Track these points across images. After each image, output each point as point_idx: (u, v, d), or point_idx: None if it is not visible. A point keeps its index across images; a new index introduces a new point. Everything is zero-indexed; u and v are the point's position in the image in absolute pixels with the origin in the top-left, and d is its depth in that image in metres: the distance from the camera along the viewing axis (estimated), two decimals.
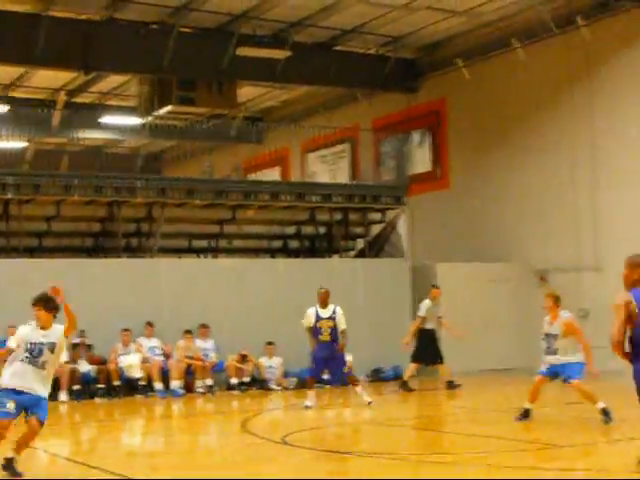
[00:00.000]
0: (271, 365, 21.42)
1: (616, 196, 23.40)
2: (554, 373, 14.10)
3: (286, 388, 21.21)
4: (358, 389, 17.23)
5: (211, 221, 24.12)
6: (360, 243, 26.01)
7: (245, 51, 24.91)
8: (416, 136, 29.10)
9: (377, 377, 22.63)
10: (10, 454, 9.89)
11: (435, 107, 28.97)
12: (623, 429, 13.11)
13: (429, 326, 20.10)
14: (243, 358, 21.22)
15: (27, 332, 10.07)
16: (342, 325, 16.87)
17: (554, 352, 13.93)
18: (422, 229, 28.27)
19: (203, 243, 24.28)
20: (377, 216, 25.90)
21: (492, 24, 25.47)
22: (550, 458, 11.01)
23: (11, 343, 10.44)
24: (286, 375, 21.53)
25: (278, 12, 24.40)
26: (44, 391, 10.00)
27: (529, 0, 23.44)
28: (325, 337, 16.81)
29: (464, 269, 25.01)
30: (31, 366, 9.91)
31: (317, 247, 25.61)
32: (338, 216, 25.28)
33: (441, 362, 20.02)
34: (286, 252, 25.16)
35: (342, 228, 25.54)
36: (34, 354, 9.93)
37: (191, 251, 24.20)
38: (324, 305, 16.92)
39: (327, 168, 27.03)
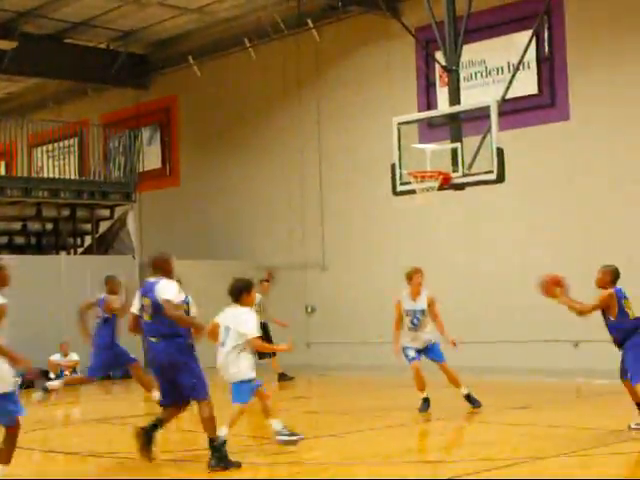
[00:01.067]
0: None
1: (342, 199, 24.10)
2: (419, 355, 14.13)
3: None
4: None
5: None
6: (88, 240, 25.59)
7: None
8: (146, 133, 28.93)
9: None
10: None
11: (166, 104, 28.90)
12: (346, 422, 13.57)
13: (261, 319, 20.09)
14: None
15: None
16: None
17: (419, 328, 13.94)
18: (152, 226, 28.15)
19: None
20: (106, 213, 25.55)
21: (224, 23, 25.67)
22: (281, 453, 11.19)
23: None
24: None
25: (6, 1, 23.66)
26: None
27: (261, 0, 23.77)
28: None
29: (193, 266, 25.04)
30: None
31: (44, 244, 25.00)
32: (66, 212, 24.76)
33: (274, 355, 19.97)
34: (11, 248, 24.40)
35: (70, 224, 25.04)
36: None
37: None
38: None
39: (55, 163, 26.39)
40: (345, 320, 23.08)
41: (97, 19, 25.41)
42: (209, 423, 9.88)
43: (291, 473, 9.75)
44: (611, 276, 11.48)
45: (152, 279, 10.25)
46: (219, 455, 9.77)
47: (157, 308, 9.96)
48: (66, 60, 26.75)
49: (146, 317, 10.13)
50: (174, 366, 9.91)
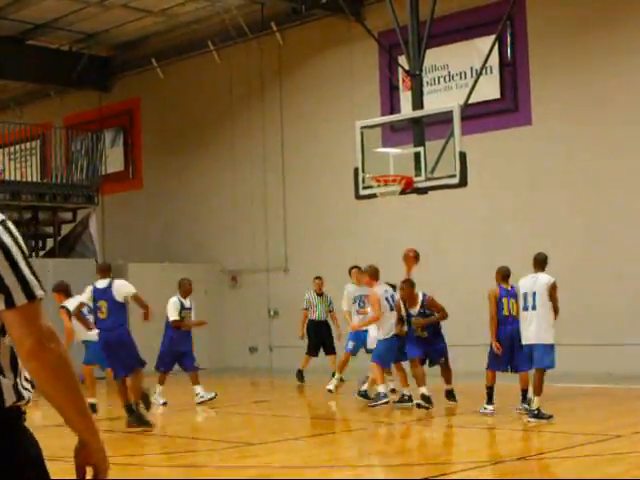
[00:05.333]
0: None
1: (304, 201, 24.11)
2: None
3: None
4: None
5: None
6: (50, 242, 25.44)
7: None
8: (109, 135, 28.78)
9: None
10: None
11: (128, 106, 28.78)
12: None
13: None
14: None
15: None
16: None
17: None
18: (115, 229, 28.04)
19: None
20: (68, 215, 25.42)
21: (188, 25, 25.61)
22: (244, 456, 11.18)
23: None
24: None
25: None
26: None
27: (224, 4, 23.73)
28: (188, 328, 16.69)
29: (156, 269, 24.99)
30: None
31: None
32: (28, 215, 24.61)
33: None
34: None
35: (32, 227, 24.89)
36: None
37: None
38: (187, 296, 16.73)
39: (17, 165, 26.23)
40: None
41: (59, 21, 25.26)
42: None
43: (252, 475, 9.74)
44: (497, 275, 13.75)
45: None
46: None
47: None
48: (28, 62, 26.59)
49: None
50: None
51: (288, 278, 23.67)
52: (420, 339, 14.46)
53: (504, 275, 13.72)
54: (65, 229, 25.61)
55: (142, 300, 13.79)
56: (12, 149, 26.85)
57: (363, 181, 16.33)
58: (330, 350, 19.39)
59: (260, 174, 25.00)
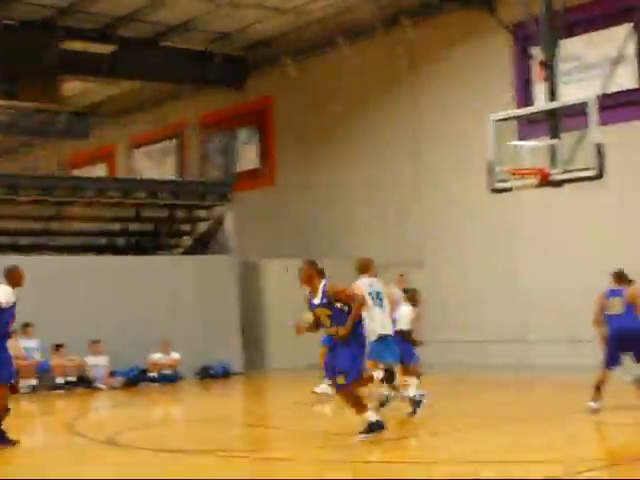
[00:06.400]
0: (97, 364, 21.09)
1: (439, 195, 23.98)
2: None
3: (113, 387, 20.92)
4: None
5: (36, 218, 23.58)
6: (187, 240, 25.88)
7: (70, 45, 24.50)
8: (243, 133, 29.12)
9: (206, 375, 22.53)
10: None
11: (262, 104, 29.05)
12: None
13: None
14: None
15: None
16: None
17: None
18: (248, 226, 28.32)
19: (27, 240, 23.66)
20: (204, 213, 25.80)
21: (318, 22, 25.71)
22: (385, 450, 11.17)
23: None
24: (113, 374, 21.24)
25: (104, 6, 24.06)
26: None
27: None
28: None
29: (289, 265, 25.17)
30: None
31: (143, 244, 25.34)
32: (164, 213, 25.08)
33: None
34: (112, 250, 24.79)
35: (168, 225, 25.35)
36: None
37: (15, 249, 23.52)
38: None
39: (154, 164, 26.77)
40: (439, 317, 22.90)
41: (193, 22, 25.66)
42: None
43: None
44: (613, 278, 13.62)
45: None
46: None
47: None
48: (163, 63, 27.07)
49: None
50: None
51: (422, 273, 23.50)
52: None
53: (617, 277, 13.68)
54: (201, 226, 26.00)
55: None
56: (149, 148, 27.44)
57: (497, 174, 16.15)
58: None
59: (393, 169, 24.93)
